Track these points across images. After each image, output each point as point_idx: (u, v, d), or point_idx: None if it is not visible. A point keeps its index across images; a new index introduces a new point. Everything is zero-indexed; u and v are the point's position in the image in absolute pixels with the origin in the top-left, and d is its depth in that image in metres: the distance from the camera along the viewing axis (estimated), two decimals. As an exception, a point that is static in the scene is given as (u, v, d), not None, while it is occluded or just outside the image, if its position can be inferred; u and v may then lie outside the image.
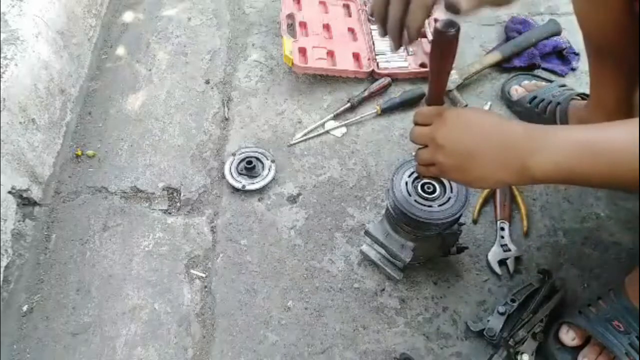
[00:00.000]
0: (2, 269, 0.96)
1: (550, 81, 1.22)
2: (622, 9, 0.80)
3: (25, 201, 1.05)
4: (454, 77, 1.24)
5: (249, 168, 1.12)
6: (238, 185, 1.10)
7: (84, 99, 1.30)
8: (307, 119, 1.24)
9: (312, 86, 1.31)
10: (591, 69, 0.99)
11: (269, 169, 1.13)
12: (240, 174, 1.13)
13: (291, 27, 1.37)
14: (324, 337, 0.93)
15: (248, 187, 1.10)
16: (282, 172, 1.15)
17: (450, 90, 1.23)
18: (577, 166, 0.58)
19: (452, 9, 0.57)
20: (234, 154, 1.16)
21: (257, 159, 1.14)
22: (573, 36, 1.31)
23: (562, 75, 1.29)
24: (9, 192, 1.01)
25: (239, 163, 1.14)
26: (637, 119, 0.56)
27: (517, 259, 1.00)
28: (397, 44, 0.67)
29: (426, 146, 0.70)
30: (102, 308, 0.97)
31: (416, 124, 0.72)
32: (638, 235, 1.01)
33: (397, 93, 1.27)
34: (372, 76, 1.31)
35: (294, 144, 1.20)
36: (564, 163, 0.58)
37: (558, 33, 1.32)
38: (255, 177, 1.12)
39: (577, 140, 0.59)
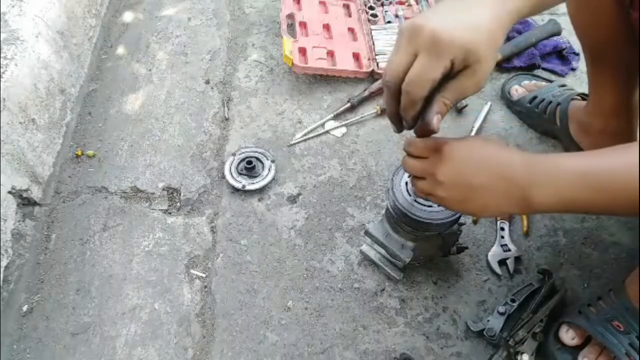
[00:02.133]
0: (2, 269, 0.96)
1: (550, 81, 1.22)
2: (617, 17, 0.81)
3: (25, 201, 1.05)
4: (454, 77, 1.24)
5: (249, 168, 1.12)
6: (238, 185, 1.10)
7: (84, 99, 1.30)
8: (307, 119, 1.24)
9: (312, 86, 1.31)
10: (589, 72, 1.00)
11: (269, 169, 1.13)
12: (240, 174, 1.13)
13: (291, 27, 1.37)
14: (324, 337, 0.93)
15: (248, 187, 1.10)
16: (282, 172, 1.15)
17: (450, 90, 1.23)
18: (578, 198, 0.58)
19: (428, 131, 0.62)
20: (234, 154, 1.16)
21: (257, 159, 1.14)
22: (573, 36, 1.30)
23: (562, 75, 1.29)
24: (9, 192, 1.01)
25: (239, 163, 1.14)
26: (636, 144, 0.56)
27: (517, 259, 1.00)
28: (398, 129, 0.69)
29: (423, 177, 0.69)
30: (102, 308, 0.97)
31: (409, 155, 0.70)
32: (638, 235, 1.01)
33: (397, 93, 1.26)
34: (372, 76, 1.31)
35: (294, 144, 1.20)
36: (565, 196, 0.58)
37: (558, 33, 1.32)
38: (255, 177, 1.12)
39: (577, 172, 0.58)
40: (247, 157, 1.14)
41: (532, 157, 0.62)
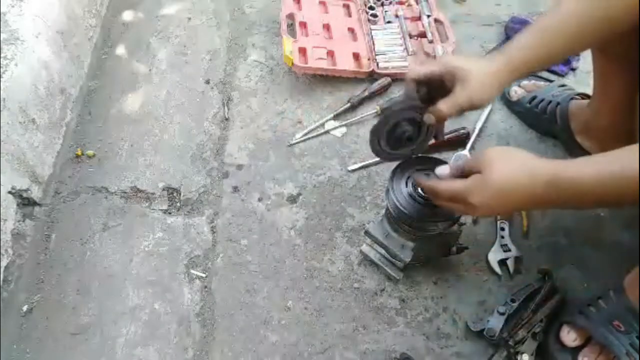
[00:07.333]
0: (2, 269, 0.96)
1: (550, 81, 1.23)
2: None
3: (25, 201, 1.05)
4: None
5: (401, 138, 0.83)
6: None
7: (84, 99, 1.30)
8: (307, 119, 1.24)
9: (312, 86, 1.31)
10: (595, 66, 0.98)
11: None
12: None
13: (291, 27, 1.37)
14: (324, 337, 0.93)
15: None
16: (282, 172, 1.15)
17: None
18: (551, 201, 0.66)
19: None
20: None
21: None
22: (573, 36, 1.31)
23: (562, 75, 1.29)
24: (9, 192, 1.01)
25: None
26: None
27: (517, 259, 0.99)
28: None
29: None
30: (102, 308, 0.97)
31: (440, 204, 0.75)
32: (638, 235, 1.01)
33: (397, 93, 1.27)
34: (372, 76, 1.31)
35: (294, 144, 1.20)
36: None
37: (558, 33, 1.32)
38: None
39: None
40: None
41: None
